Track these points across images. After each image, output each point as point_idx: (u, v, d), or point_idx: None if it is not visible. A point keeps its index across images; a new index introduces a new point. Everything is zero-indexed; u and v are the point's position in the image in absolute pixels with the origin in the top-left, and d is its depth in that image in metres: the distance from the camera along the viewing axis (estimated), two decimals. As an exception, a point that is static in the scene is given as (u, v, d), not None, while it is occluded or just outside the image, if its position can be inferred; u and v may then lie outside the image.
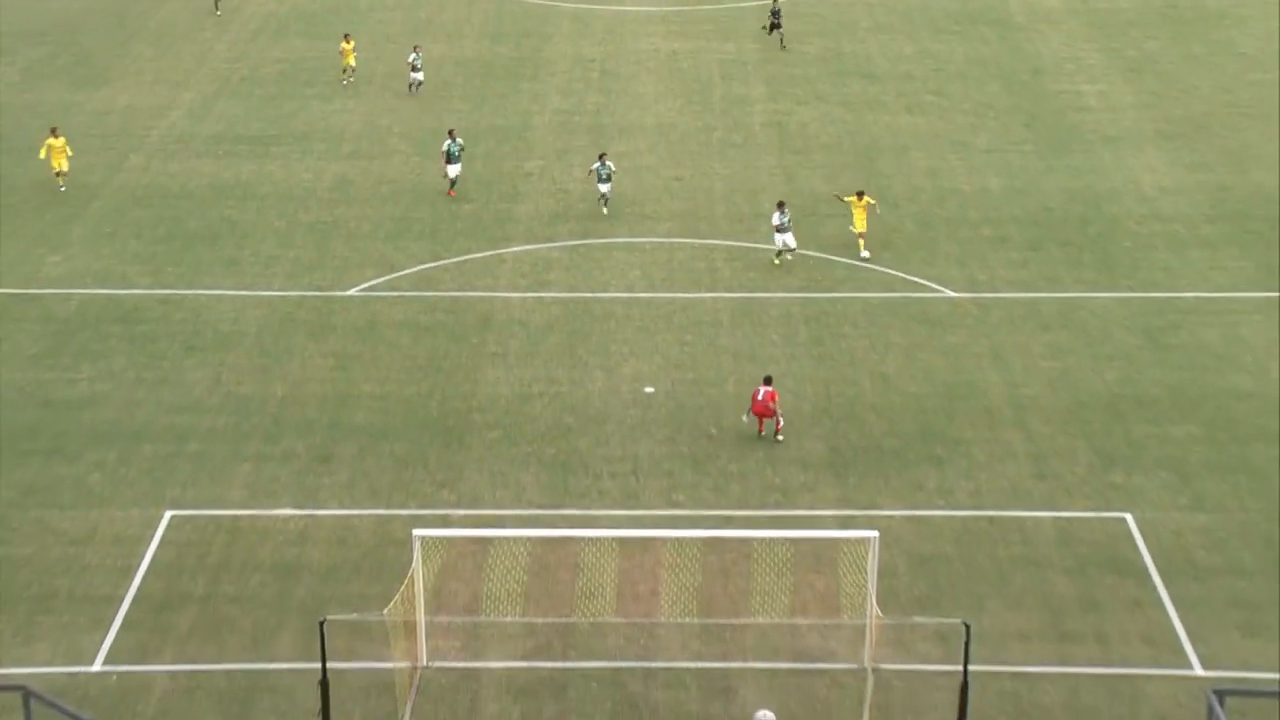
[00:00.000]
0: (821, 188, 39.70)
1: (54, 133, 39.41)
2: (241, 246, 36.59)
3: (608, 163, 37.83)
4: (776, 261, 34.97)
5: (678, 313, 33.45)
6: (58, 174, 39.03)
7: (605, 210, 37.71)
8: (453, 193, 38.78)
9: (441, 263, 35.82)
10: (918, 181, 40.14)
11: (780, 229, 34.84)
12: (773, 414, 28.18)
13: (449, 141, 38.85)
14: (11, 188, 39.81)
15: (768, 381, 28.43)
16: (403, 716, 21.59)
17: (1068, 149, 42.14)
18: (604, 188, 37.73)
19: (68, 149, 39.24)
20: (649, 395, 30.13)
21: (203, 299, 34.09)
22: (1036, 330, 32.59)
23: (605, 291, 34.33)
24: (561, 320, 33.17)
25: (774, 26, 50.42)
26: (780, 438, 28.22)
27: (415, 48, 46.56)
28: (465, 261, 35.91)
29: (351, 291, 34.48)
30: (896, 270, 35.08)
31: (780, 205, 35.26)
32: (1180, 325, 32.77)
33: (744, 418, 28.50)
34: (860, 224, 35.48)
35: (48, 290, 34.50)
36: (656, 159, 41.85)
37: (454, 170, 38.71)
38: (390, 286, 34.68)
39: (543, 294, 34.36)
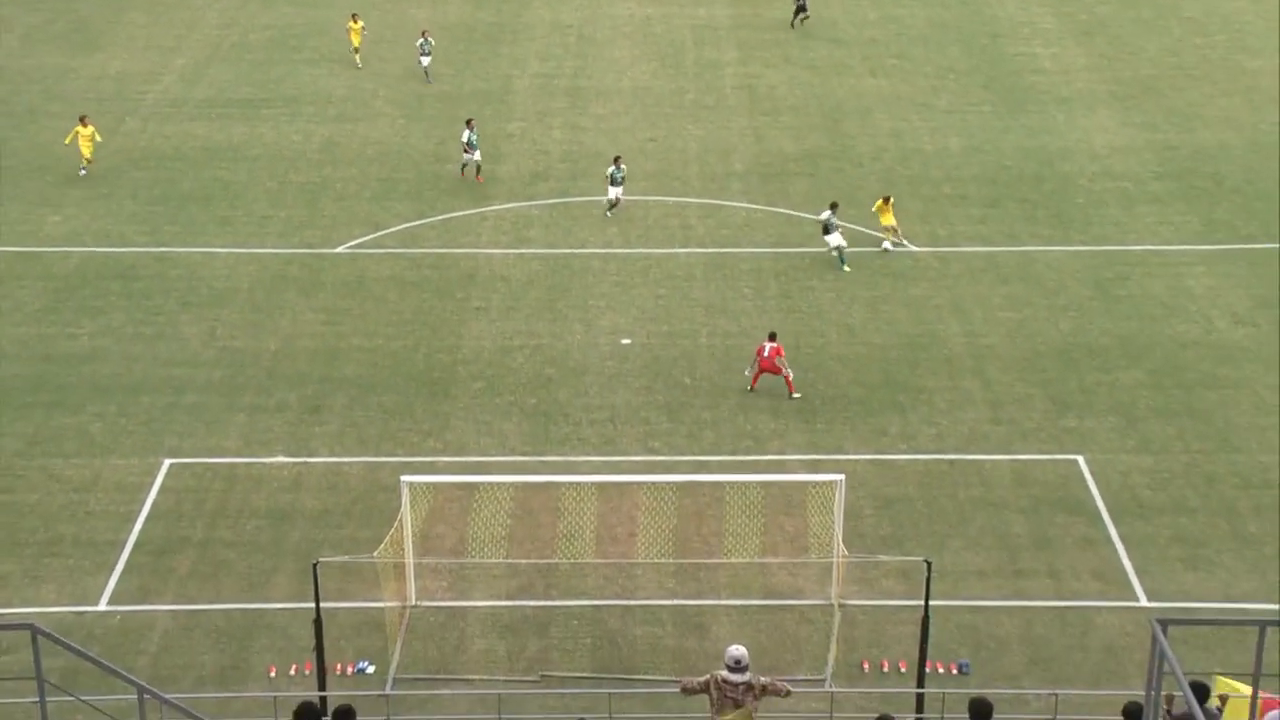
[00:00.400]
0: (790, 148, 39.60)
1: (83, 121, 36.97)
2: (234, 206, 36.30)
3: (622, 165, 35.32)
4: (847, 269, 32.47)
5: (653, 268, 33.37)
6: (87, 161, 36.78)
7: (610, 214, 34.94)
8: (480, 178, 36.71)
9: (426, 221, 35.62)
10: (882, 142, 40.05)
11: (827, 229, 32.70)
12: (779, 370, 27.82)
13: (467, 131, 36.75)
14: (13, 151, 39.31)
15: (772, 337, 28.15)
16: (393, 653, 21.64)
17: (1024, 110, 42.07)
18: (615, 191, 34.95)
19: (96, 136, 37.14)
20: (626, 347, 30.11)
21: (197, 257, 33.84)
22: (994, 283, 32.65)
23: (583, 248, 34.20)
24: (542, 276, 33.06)
25: (799, 9, 48.65)
26: (796, 395, 27.76)
27: (424, 33, 44.26)
28: (449, 220, 35.72)
29: (340, 249, 34.28)
30: (862, 226, 35.02)
31: (833, 206, 33.06)
32: (1129, 277, 32.88)
33: (746, 371, 28.34)
34: (887, 219, 33.64)
35: (48, 249, 34.19)
36: (631, 120, 41.62)
37: (473, 157, 36.76)
38: (377, 244, 34.50)
39: (524, 250, 34.23)
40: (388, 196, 36.88)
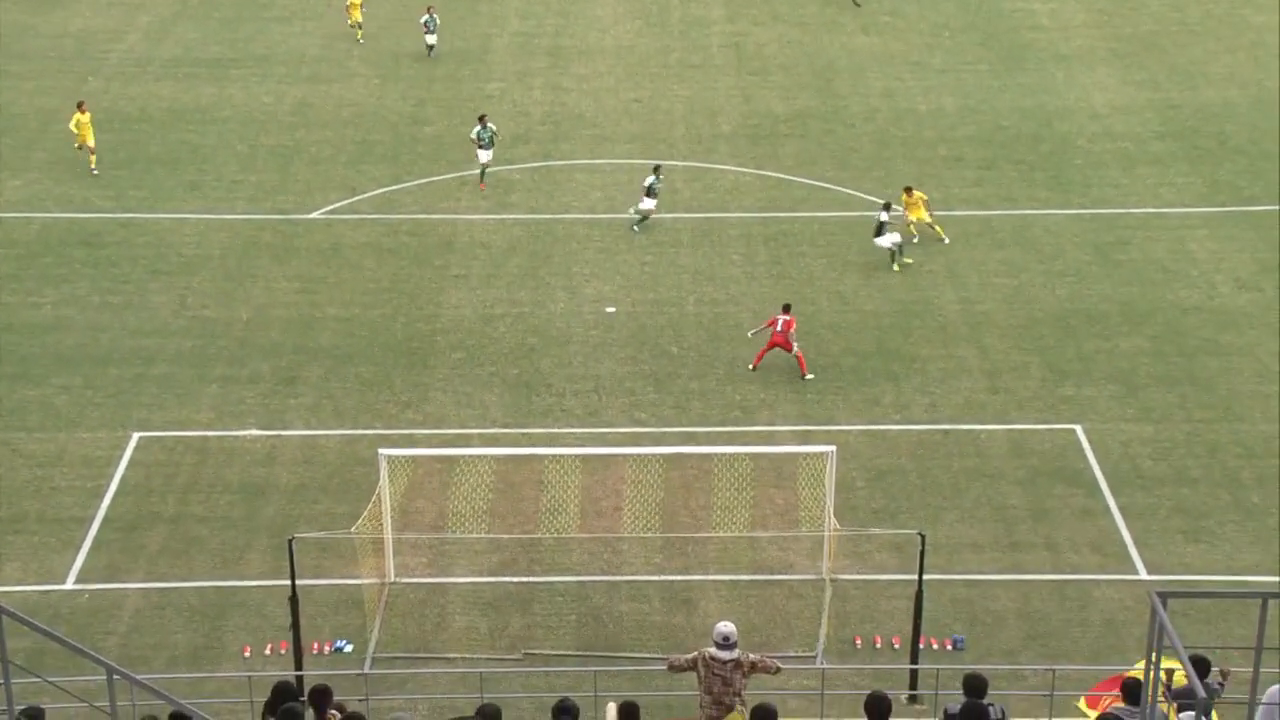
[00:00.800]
0: (779, 108, 39.49)
1: (80, 107, 35.14)
2: (203, 170, 36.10)
3: (662, 175, 33.07)
4: (895, 268, 31.01)
5: (638, 233, 33.29)
6: (80, 147, 35.10)
7: (637, 229, 32.72)
8: (483, 185, 34.48)
9: (403, 185, 35.48)
10: (874, 102, 39.95)
11: (879, 231, 31.04)
12: (790, 346, 27.45)
13: (479, 127, 34.56)
14: (-31, 113, 39.06)
15: (786, 309, 27.79)
16: (372, 631, 21.68)
17: (1021, 68, 42.00)
18: (648, 204, 32.55)
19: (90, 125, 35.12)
20: (610, 315, 30.07)
21: (165, 223, 33.66)
22: (990, 247, 32.66)
23: (566, 213, 34.10)
24: (523, 242, 32.97)
25: None
26: (809, 376, 27.40)
27: (429, 9, 42.30)
28: (427, 184, 35.58)
29: (314, 215, 34.13)
30: (853, 190, 34.99)
31: (886, 206, 31.27)
32: (1130, 241, 32.92)
33: (750, 332, 28.23)
34: (918, 214, 31.80)
35: (8, 215, 33.95)
36: (615, 80, 41.45)
37: (485, 156, 34.59)
38: (353, 210, 34.36)
39: (504, 216, 34.12)
40: (363, 160, 36.70)
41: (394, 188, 35.37)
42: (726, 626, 15.34)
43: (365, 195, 34.98)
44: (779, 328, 27.57)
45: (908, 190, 32.34)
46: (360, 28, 43.40)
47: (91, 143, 35.37)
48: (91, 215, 33.96)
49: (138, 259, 32.11)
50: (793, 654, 20.99)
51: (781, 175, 35.90)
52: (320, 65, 42.28)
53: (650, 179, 32.79)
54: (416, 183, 35.62)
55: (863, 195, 34.69)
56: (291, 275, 31.52)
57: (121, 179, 35.60)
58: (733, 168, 36.35)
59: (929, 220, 32.20)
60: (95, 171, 35.13)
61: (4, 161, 36.40)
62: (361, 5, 43.44)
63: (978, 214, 34.10)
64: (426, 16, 42.28)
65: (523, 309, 30.27)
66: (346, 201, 34.69)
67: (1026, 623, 22.08)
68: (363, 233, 33.30)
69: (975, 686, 14.51)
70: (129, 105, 39.64)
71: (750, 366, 27.93)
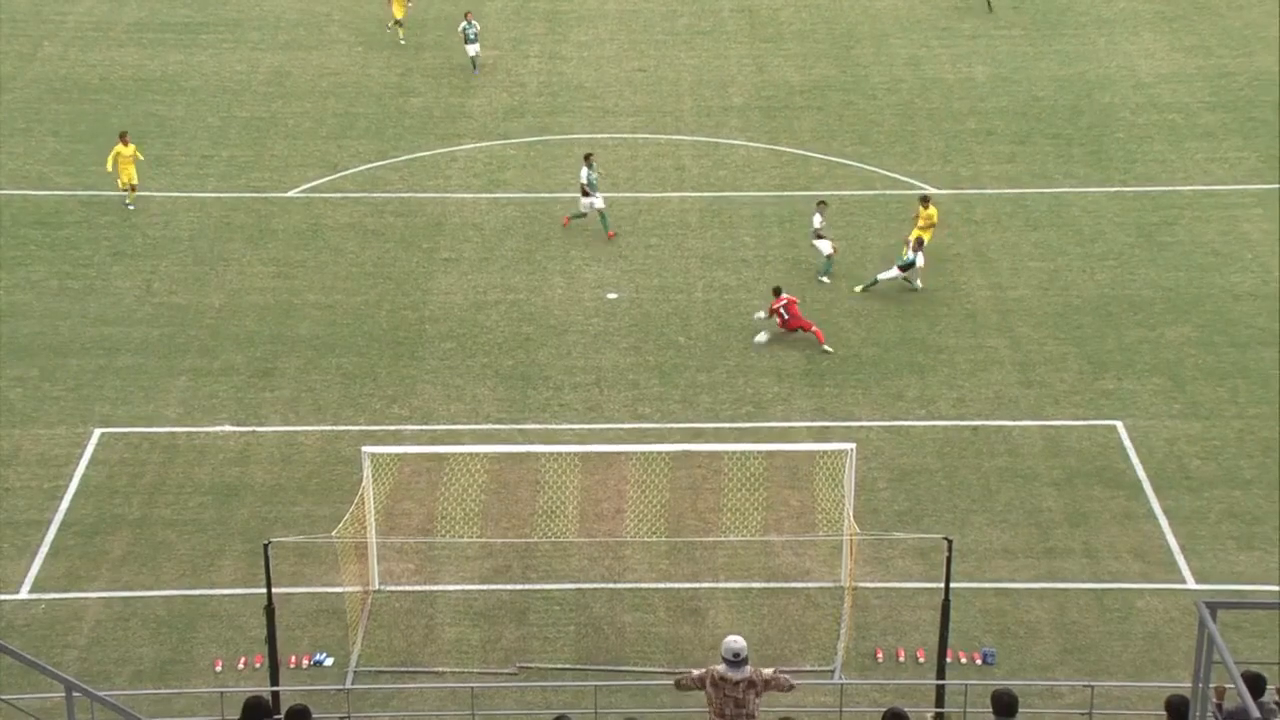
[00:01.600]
0: (795, 78, 39.47)
1: (123, 139, 32.83)
2: (171, 145, 36.15)
3: (826, 210, 30.95)
4: (920, 283, 30.01)
5: (642, 214, 33.34)
6: (126, 188, 32.94)
7: (827, 279, 30.32)
8: (612, 234, 31.92)
9: (389, 162, 35.53)
10: (898, 71, 39.95)
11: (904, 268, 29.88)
12: (809, 325, 28.06)
13: (586, 170, 31.90)
14: (-82, 82, 39.13)
15: (776, 293, 28.41)
16: (354, 642, 21.72)
17: (1058, 33, 41.99)
18: (826, 247, 30.40)
19: (139, 154, 33.01)
20: (612, 302, 30.11)
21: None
22: (1024, 229, 32.67)
23: (565, 192, 34.12)
24: (518, 223, 33.02)
25: None
26: (828, 348, 27.99)
27: (467, 15, 40.08)
28: (414, 160, 35.63)
29: (292, 193, 34.19)
30: (875, 167, 34.99)
31: (919, 243, 29.97)
32: (1177, 221, 32.91)
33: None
34: (921, 233, 30.38)
35: (-39, 194, 34.07)
36: (618, 48, 41.47)
37: (596, 203, 31.97)
38: (334, 188, 34.41)
39: (498, 195, 34.17)
40: (345, 134, 36.75)
41: (378, 164, 35.42)
42: (736, 642, 15.26)
43: (347, 172, 35.03)
44: (785, 314, 27.80)
45: (924, 200, 30.81)
46: (402, 25, 41.22)
47: (135, 180, 32.96)
48: (49, 192, 34.01)
49: (100, 240, 32.15)
50: (809, 669, 21.03)
51: (797, 151, 35.90)
52: (298, 30, 42.31)
53: (817, 219, 30.69)
54: (403, 158, 35.67)
55: (885, 172, 34.68)
56: (267, 259, 31.57)
57: (81, 153, 35.66)
58: (744, 143, 36.36)
59: (909, 238, 30.47)
60: (131, 206, 33.10)
61: (-45, 135, 36.50)
62: (408, 1, 41.48)
63: (1010, 192, 34.10)
64: (465, 24, 39.93)
65: (518, 295, 30.31)
66: (327, 179, 34.74)
67: (1063, 635, 22.09)
68: (345, 212, 33.34)
69: (1006, 704, 14.51)
70: (89, 73, 39.70)
71: (823, 349, 28.11)
